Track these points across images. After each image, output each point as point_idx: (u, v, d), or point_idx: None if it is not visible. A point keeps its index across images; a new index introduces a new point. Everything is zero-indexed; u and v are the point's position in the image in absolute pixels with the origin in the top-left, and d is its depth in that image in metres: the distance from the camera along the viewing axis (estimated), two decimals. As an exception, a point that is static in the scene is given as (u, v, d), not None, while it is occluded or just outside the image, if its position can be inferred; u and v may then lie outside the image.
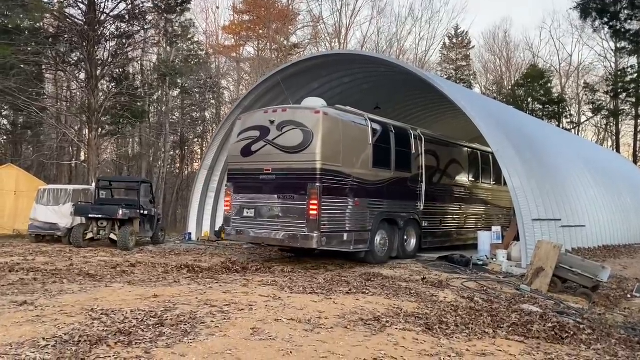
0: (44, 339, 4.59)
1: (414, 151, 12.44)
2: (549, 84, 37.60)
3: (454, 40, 46.36)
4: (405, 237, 12.24)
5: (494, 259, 11.77)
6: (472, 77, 45.21)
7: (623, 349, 5.66)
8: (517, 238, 11.89)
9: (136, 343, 4.59)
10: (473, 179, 15.50)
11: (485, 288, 8.91)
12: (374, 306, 6.72)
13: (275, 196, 10.22)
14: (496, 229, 13.35)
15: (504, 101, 31.93)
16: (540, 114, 36.08)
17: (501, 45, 44.52)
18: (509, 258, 11.66)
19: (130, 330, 4.98)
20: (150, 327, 5.12)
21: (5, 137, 31.53)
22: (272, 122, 10.46)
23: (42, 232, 15.03)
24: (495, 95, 38.15)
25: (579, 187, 15.37)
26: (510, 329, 6.07)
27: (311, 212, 9.61)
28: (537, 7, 70.39)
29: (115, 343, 4.57)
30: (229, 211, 11.04)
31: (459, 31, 46.12)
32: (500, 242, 12.84)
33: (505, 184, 16.32)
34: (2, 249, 12.97)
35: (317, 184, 9.66)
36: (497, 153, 11.72)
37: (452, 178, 14.47)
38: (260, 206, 10.47)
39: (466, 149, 15.38)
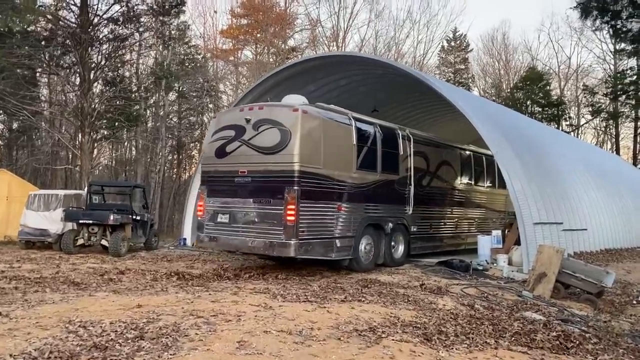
0: (10, 355, 4.27)
1: (402, 152, 11.82)
2: (548, 87, 37.41)
3: (452, 43, 46.15)
4: (393, 243, 11.64)
5: (495, 264, 11.48)
6: (470, 80, 44.99)
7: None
8: (517, 242, 11.59)
9: (111, 359, 4.26)
10: (466, 182, 14.97)
11: (485, 294, 8.62)
12: (369, 315, 6.40)
13: (251, 200, 9.59)
14: (496, 232, 13.04)
15: (503, 104, 31.71)
16: (540, 116, 35.86)
17: (500, 48, 44.34)
18: (510, 263, 11.37)
19: (107, 344, 4.65)
20: (129, 341, 4.79)
21: (1, 143, 31.28)
22: (248, 121, 9.80)
23: (32, 239, 14.71)
24: (494, 98, 37.94)
25: (579, 189, 15.10)
26: (513, 338, 5.78)
27: (288, 218, 8.98)
28: (536, 9, 70.35)
29: (88, 359, 4.24)
30: (202, 216, 10.36)
31: (457, 34, 45.94)
32: (500, 246, 12.54)
33: (499, 186, 16.15)
34: (-10, 256, 12.63)
35: (295, 188, 9.02)
36: (497, 155, 11.45)
37: (444, 181, 13.86)
38: (235, 211, 9.82)
39: (459, 150, 14.82)
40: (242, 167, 9.75)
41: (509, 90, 39.68)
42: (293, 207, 8.94)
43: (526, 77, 37.33)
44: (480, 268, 11.32)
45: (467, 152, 15.17)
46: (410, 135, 12.23)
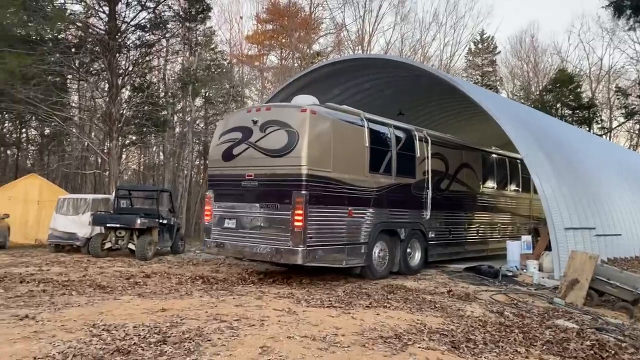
0: (35, 358, 4.28)
1: (418, 155, 11.28)
2: (579, 89, 36.55)
3: (480, 46, 45.54)
4: (409, 250, 11.08)
5: (525, 270, 11.21)
6: (498, 82, 44.30)
7: (672, 372, 5.10)
8: (548, 248, 11.28)
9: (133, 364, 4.24)
10: (488, 186, 14.32)
11: (515, 301, 8.39)
12: (395, 322, 6.26)
13: (258, 205, 9.20)
14: (526, 238, 12.73)
15: (532, 107, 31.05)
16: (570, 119, 35.07)
17: (528, 50, 43.54)
18: (541, 269, 11.08)
19: (130, 348, 4.63)
20: (152, 345, 4.76)
21: (33, 148, 32.05)
22: (255, 122, 9.40)
23: (61, 242, 14.93)
24: (522, 101, 37.28)
25: (613, 193, 14.64)
26: (545, 347, 5.57)
27: (296, 224, 8.58)
28: (565, 10, 69.02)
29: (111, 363, 4.22)
30: (209, 221, 10.02)
31: (484, 36, 45.30)
32: (530, 251, 12.24)
33: (524, 190, 15.70)
34: (20, 259, 12.87)
35: (303, 192, 8.61)
36: (526, 158, 11.16)
37: (464, 184, 13.17)
38: (242, 216, 9.44)
39: (480, 152, 14.18)
40: (248, 171, 9.44)
41: (538, 92, 38.95)
42: (301, 212, 8.57)
43: (556, 79, 36.57)
44: (510, 274, 11.06)
45: (490, 154, 14.64)
46: (428, 137, 11.75)
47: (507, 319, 6.92)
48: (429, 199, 11.52)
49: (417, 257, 11.30)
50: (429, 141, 11.69)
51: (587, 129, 34.75)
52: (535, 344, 5.66)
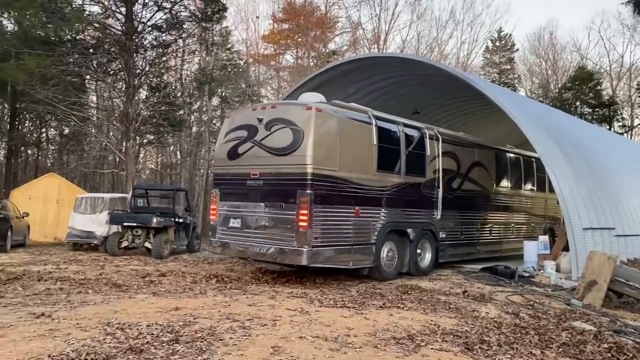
0: (49, 356, 4.33)
1: (429, 153, 11.04)
2: (599, 87, 35.97)
3: (497, 43, 45.06)
4: (419, 251, 10.83)
5: (542, 271, 11.06)
6: (516, 80, 43.81)
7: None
8: (566, 248, 11.12)
9: (145, 363, 4.26)
10: (501, 185, 13.99)
11: (531, 302, 8.28)
12: (408, 322, 6.22)
13: (263, 205, 9.06)
14: (543, 238, 12.55)
15: (551, 105, 30.68)
16: (590, 117, 34.54)
17: (547, 48, 42.91)
18: (558, 270, 10.92)
19: (142, 347, 4.66)
20: (164, 344, 4.79)
21: (52, 147, 32.53)
22: (260, 121, 9.28)
23: (79, 240, 15.14)
24: (541, 99, 36.80)
25: (634, 193, 14.35)
26: (561, 349, 5.49)
27: (301, 224, 8.42)
28: (585, 7, 67.94)
29: (123, 362, 4.25)
30: (215, 220, 9.88)
31: (502, 34, 44.81)
32: (548, 252, 12.07)
33: (539, 190, 15.41)
34: (39, 257, 13.07)
35: (308, 191, 8.44)
36: (544, 157, 11.01)
37: (476, 183, 12.85)
38: (247, 216, 9.31)
39: (493, 151, 13.86)
40: (254, 170, 9.30)
41: (557, 90, 38.41)
42: (306, 212, 8.41)
43: (575, 77, 36.04)
44: (527, 275, 10.92)
45: (503, 153, 14.32)
46: (439, 135, 11.51)
47: (523, 320, 6.83)
48: (439, 198, 11.29)
49: (427, 258, 11.10)
50: (440, 139, 11.47)
51: (608, 127, 34.20)
52: (551, 346, 5.58)
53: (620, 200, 13.20)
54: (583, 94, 34.90)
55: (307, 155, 8.55)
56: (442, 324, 6.24)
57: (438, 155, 11.33)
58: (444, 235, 11.52)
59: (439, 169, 11.32)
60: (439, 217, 11.28)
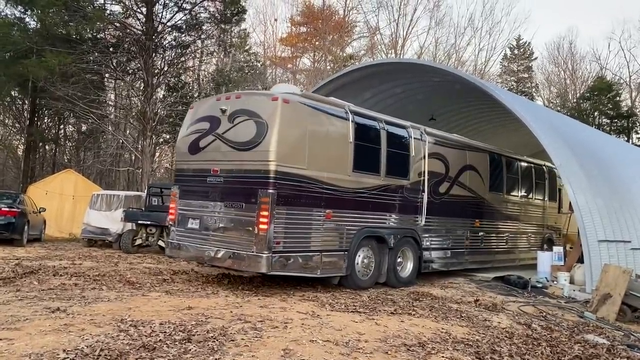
0: (64, 350, 4.39)
1: (413, 154, 10.19)
2: (618, 97, 35.63)
3: (516, 51, 44.85)
4: (399, 259, 9.99)
5: (555, 282, 10.96)
6: (534, 89, 43.55)
7: None
8: (580, 260, 11.01)
9: (157, 360, 4.31)
10: (496, 191, 13.01)
11: (544, 314, 8.21)
12: (419, 329, 6.21)
13: (222, 204, 8.27)
14: (557, 249, 12.45)
15: (568, 115, 30.44)
16: (608, 128, 34.22)
17: (566, 57, 42.62)
18: (572, 281, 10.82)
19: (155, 345, 4.71)
20: (177, 343, 4.83)
21: (70, 144, 32.93)
22: (223, 112, 8.45)
23: (94, 237, 15.34)
24: (558, 108, 36.53)
25: (652, 206, 14.16)
26: (573, 362, 5.43)
27: (261, 227, 7.62)
28: (606, 16, 67.34)
29: (136, 359, 4.30)
30: (173, 220, 9.06)
31: (520, 42, 44.60)
32: (561, 263, 11.97)
33: (538, 197, 14.89)
34: (55, 252, 13.25)
35: (270, 191, 7.65)
36: (560, 167, 10.92)
37: (467, 189, 11.91)
38: (206, 216, 8.49)
39: (489, 154, 12.92)
40: (215, 165, 8.50)
41: (575, 100, 38.10)
42: (266, 213, 7.61)
43: (594, 87, 35.75)
44: (540, 285, 10.84)
45: (500, 157, 13.43)
46: (426, 135, 10.71)
47: (535, 331, 6.78)
48: (424, 203, 10.47)
49: (408, 267, 10.21)
50: (427, 140, 10.69)
51: (626, 138, 33.83)
52: (563, 358, 5.54)
53: (638, 212, 13.04)
54: (602, 104, 34.60)
55: (270, 150, 7.79)
56: (454, 332, 6.22)
57: (424, 157, 10.54)
58: (428, 243, 10.73)
59: (424, 172, 10.52)
60: (422, 223, 10.47)
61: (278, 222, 7.74)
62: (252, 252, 7.72)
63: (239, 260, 7.93)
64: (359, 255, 9.11)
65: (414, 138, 10.34)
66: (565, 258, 12.21)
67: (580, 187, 10.85)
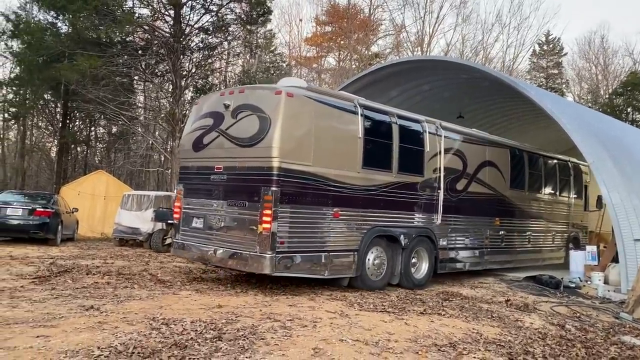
0: (99, 348, 4.48)
1: (428, 149, 9.77)
2: (652, 92, 34.66)
3: (545, 47, 44.08)
4: (414, 260, 9.57)
5: (589, 282, 10.74)
6: (564, 85, 42.74)
7: None
8: (615, 259, 10.75)
9: (189, 359, 4.35)
10: (518, 188, 12.55)
11: (578, 314, 8.04)
12: (450, 330, 6.15)
13: (225, 203, 8.05)
14: (591, 248, 12.17)
15: (601, 111, 29.74)
16: (642, 124, 33.33)
17: (597, 52, 41.76)
18: (606, 281, 10.58)
19: (187, 343, 4.77)
20: (208, 341, 4.88)
21: (101, 145, 33.64)
22: (226, 107, 8.23)
23: (125, 236, 15.61)
24: (590, 104, 35.74)
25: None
26: (609, 365, 5.30)
27: (264, 226, 7.37)
28: (639, 10, 65.49)
29: (169, 357, 4.36)
30: (178, 219, 8.96)
31: (550, 37, 43.83)
32: (595, 263, 11.70)
33: (562, 194, 14.43)
34: (88, 251, 13.53)
35: (273, 189, 7.38)
36: (593, 165, 10.66)
37: (487, 185, 11.48)
38: (210, 215, 8.28)
39: (509, 149, 12.45)
40: (218, 163, 8.27)
41: (607, 96, 37.22)
42: (270, 212, 7.35)
43: (627, 83, 34.84)
44: (572, 285, 10.62)
45: (522, 152, 12.93)
46: (442, 129, 10.27)
47: (569, 332, 6.64)
48: (440, 200, 10.08)
49: (423, 268, 9.80)
50: (442, 135, 10.25)
51: (661, 134, 32.85)
52: (598, 360, 5.42)
53: (675, 211, 12.66)
54: (635, 100, 33.73)
55: (273, 146, 7.50)
56: (485, 332, 6.14)
57: (440, 152, 10.12)
58: (444, 243, 10.31)
59: (440, 168, 10.12)
60: (439, 222, 10.07)
61: (282, 221, 7.48)
62: (256, 252, 7.51)
63: (242, 261, 7.73)
64: (370, 256, 8.78)
65: (429, 133, 9.93)
66: (599, 257, 11.93)
67: (614, 185, 10.58)
